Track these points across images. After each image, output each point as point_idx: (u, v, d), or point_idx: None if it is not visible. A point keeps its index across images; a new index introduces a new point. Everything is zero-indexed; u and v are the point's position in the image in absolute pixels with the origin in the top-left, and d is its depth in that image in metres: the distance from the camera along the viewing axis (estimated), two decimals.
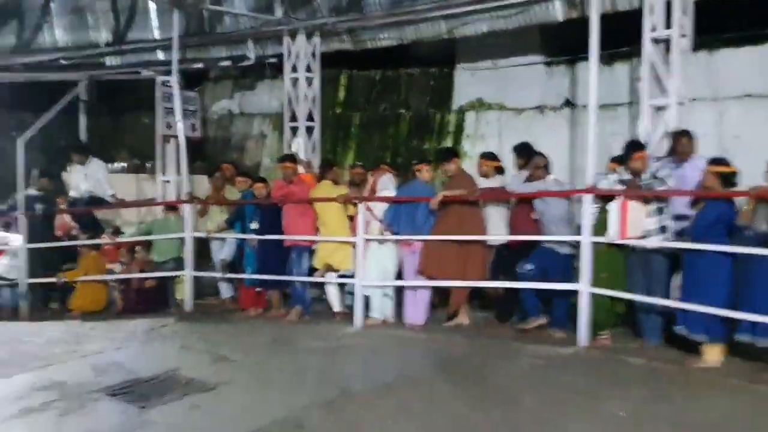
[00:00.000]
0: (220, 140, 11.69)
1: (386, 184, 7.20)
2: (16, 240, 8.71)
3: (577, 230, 6.08)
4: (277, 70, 10.65)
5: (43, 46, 10.45)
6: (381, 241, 6.98)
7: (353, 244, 7.09)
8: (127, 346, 6.68)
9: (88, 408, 4.96)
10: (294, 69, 9.32)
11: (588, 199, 5.88)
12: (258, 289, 7.81)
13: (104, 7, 9.97)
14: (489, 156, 7.03)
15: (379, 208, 7.05)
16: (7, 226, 9.28)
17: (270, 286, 7.69)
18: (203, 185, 9.78)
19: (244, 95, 11.77)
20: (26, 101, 12.07)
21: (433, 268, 6.64)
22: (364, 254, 6.94)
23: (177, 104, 8.18)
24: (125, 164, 11.69)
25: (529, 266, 6.21)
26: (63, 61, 10.49)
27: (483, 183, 6.81)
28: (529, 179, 6.53)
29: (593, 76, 5.89)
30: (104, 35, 10.19)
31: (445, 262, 6.59)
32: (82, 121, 12.04)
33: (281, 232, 7.53)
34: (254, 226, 7.63)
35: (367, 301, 7.05)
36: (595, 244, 5.88)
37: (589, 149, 5.92)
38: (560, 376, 5.23)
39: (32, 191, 8.84)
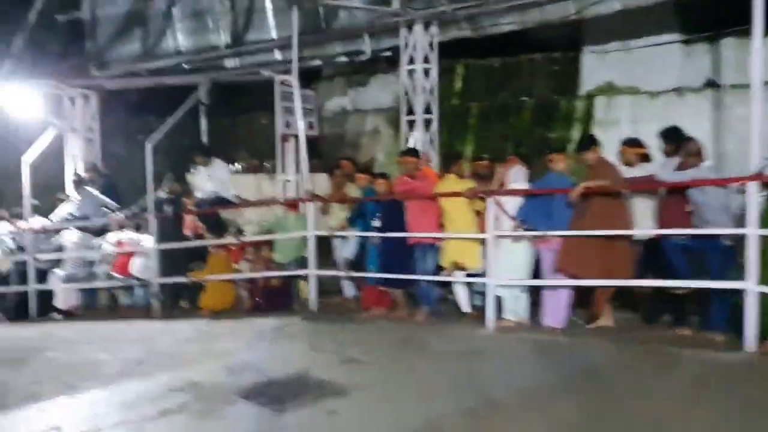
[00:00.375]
0: (335, 138, 11.61)
1: (517, 177, 6.77)
2: (148, 241, 8.93)
3: (738, 222, 5.43)
4: (391, 64, 10.43)
5: (166, 51, 10.72)
6: (514, 238, 6.56)
7: (482, 242, 6.72)
8: (257, 346, 6.62)
9: (224, 411, 4.88)
10: (411, 60, 9.04)
11: (754, 187, 5.23)
12: (382, 289, 7.58)
13: (223, 9, 10.08)
14: (633, 142, 6.45)
15: (509, 202, 6.63)
16: (138, 228, 9.56)
17: (394, 285, 7.45)
18: (320, 183, 9.73)
19: (358, 91, 11.64)
20: (150, 106, 12.50)
21: (574, 266, 6.16)
22: (495, 252, 6.55)
23: (297, 103, 8.09)
24: (244, 164, 11.84)
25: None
26: (185, 65, 10.72)
27: (627, 173, 6.25)
28: (681, 167, 5.91)
29: (757, 49, 5.23)
30: (223, 37, 10.31)
31: (588, 260, 6.09)
32: (203, 123, 12.31)
33: (404, 230, 7.27)
34: (376, 223, 7.41)
35: (498, 301, 6.66)
36: (763, 237, 5.22)
37: (753, 132, 5.27)
38: (733, 388, 4.64)
39: (162, 193, 9.04)
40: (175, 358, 6.38)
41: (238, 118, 12.89)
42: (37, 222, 10.05)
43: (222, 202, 9.38)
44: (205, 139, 12.41)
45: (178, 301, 9.06)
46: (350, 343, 6.43)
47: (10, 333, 8.81)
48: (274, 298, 8.25)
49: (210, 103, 11.86)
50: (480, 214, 6.84)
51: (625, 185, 6.07)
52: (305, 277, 8.08)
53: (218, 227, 9.32)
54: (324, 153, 11.08)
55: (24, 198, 9.90)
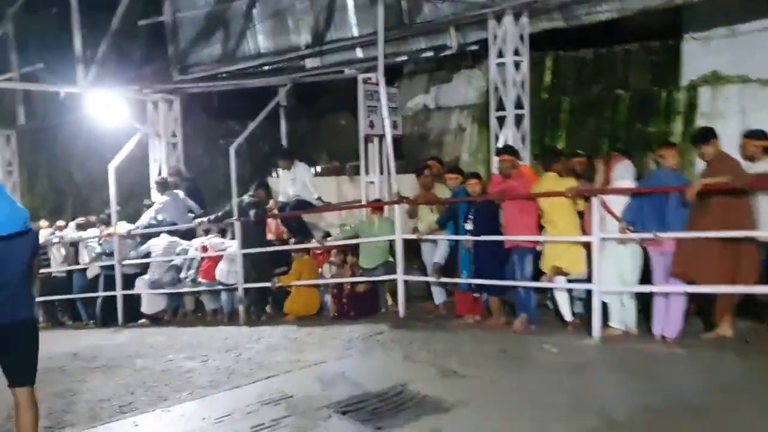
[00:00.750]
0: (416, 137, 11.27)
1: (623, 174, 6.25)
2: (233, 246, 8.83)
3: None
4: (476, 58, 10.02)
5: (247, 53, 10.63)
6: (620, 241, 6.06)
7: (586, 245, 6.24)
8: (349, 356, 6.36)
9: (321, 427, 4.62)
10: (500, 54, 8.60)
11: None
12: (475, 295, 7.20)
13: (304, 9, 9.90)
14: (756, 134, 5.84)
15: (615, 202, 6.13)
16: (223, 233, 9.49)
17: (488, 292, 7.05)
18: (405, 185, 9.43)
19: (440, 88, 11.27)
20: (230, 109, 12.51)
21: (693, 270, 5.62)
22: (600, 256, 6.06)
23: (383, 101, 7.80)
24: (325, 167, 11.67)
25: None
26: (266, 67, 10.61)
27: (750, 168, 5.66)
28: None
29: None
30: (304, 37, 10.14)
31: (707, 264, 5.54)
32: (283, 126, 12.21)
33: (499, 232, 6.87)
34: (469, 226, 7.02)
35: (603, 308, 6.18)
36: None
37: None
38: None
39: (246, 197, 8.93)
40: (266, 368, 6.19)
41: (318, 119, 12.73)
42: (124, 227, 10.14)
43: (305, 205, 9.21)
44: (285, 142, 12.32)
45: (264, 306, 8.92)
46: (446, 354, 6.09)
47: (101, 339, 8.87)
48: (360, 304, 7.99)
49: (290, 105, 11.77)
50: (582, 215, 6.37)
51: (748, 182, 5.49)
52: (392, 283, 7.79)
53: (302, 231, 9.15)
54: (406, 153, 10.76)
55: (111, 204, 10.00)
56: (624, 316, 6.17)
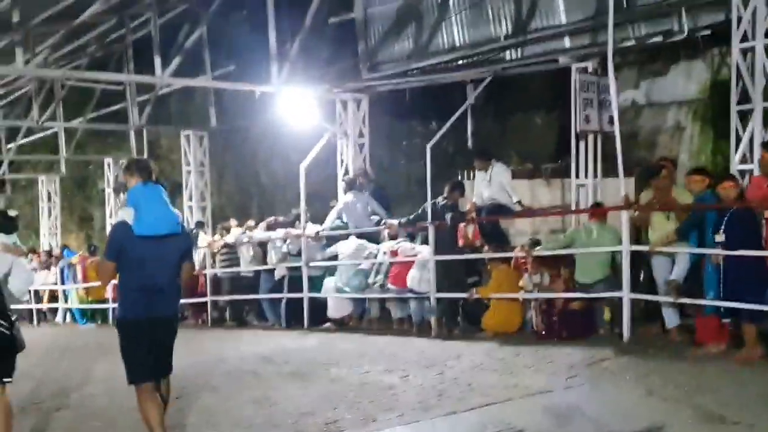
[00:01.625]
0: (625, 136, 10.02)
1: None
2: (424, 251, 8.21)
3: None
4: (707, 45, 8.69)
5: (440, 47, 10.02)
6: None
7: None
8: (576, 385, 5.46)
9: None
10: (744, 38, 7.29)
11: None
12: (724, 320, 6.00)
13: None
14: None
15: None
16: (412, 237, 8.91)
17: (742, 317, 5.82)
18: (608, 188, 8.35)
19: (654, 82, 9.99)
20: (414, 108, 12.00)
21: None
22: None
23: (612, 91, 6.75)
24: (517, 169, 10.76)
25: None
26: (459, 62, 9.93)
27: None
28: None
29: None
30: (503, 27, 9.33)
31: None
32: (470, 125, 11.49)
33: (760, 246, 5.65)
34: (719, 238, 5.84)
35: None
36: None
37: None
38: None
39: (440, 200, 8.28)
40: (478, 392, 5.44)
41: (505, 118, 11.87)
42: (312, 229, 9.88)
43: (502, 209, 8.39)
44: (470, 142, 11.58)
45: (456, 318, 8.21)
46: (699, 391, 5.02)
47: (289, 342, 8.61)
48: (574, 322, 7.04)
49: (476, 103, 11.01)
50: None
51: None
52: (614, 301, 6.77)
53: (498, 238, 8.34)
54: (609, 154, 9.61)
55: (300, 205, 9.80)
56: None
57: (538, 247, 7.56)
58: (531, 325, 7.48)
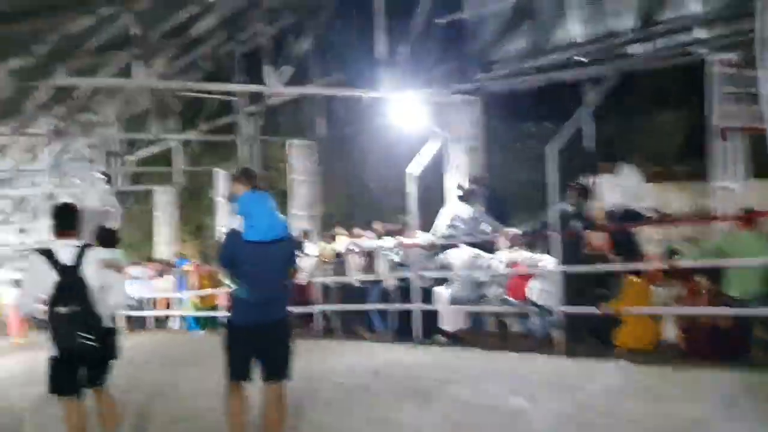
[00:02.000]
0: None
1: None
2: (548, 262, 7.65)
3: None
4: None
5: (557, 44, 9.40)
6: None
7: None
8: (738, 417, 4.75)
9: None
10: None
11: None
12: None
13: None
14: None
15: None
16: (531, 247, 8.36)
17: None
18: (754, 192, 7.51)
19: None
20: (528, 110, 11.43)
21: None
22: None
23: (764, 84, 6.01)
24: (642, 171, 9.99)
25: None
26: (578, 59, 9.28)
27: None
28: None
29: None
30: (627, 20, 8.62)
31: None
32: (588, 126, 10.77)
33: None
34: None
35: None
36: None
37: None
38: None
39: (565, 206, 7.71)
40: (623, 421, 4.86)
41: (626, 118, 11.07)
42: (422, 237, 9.52)
43: (632, 216, 7.71)
44: (589, 144, 10.87)
45: (582, 334, 7.59)
46: None
47: (400, 356, 8.24)
48: (722, 342, 6.27)
49: (598, 102, 10.32)
50: None
51: None
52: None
53: (630, 248, 7.65)
54: (758, 153, 8.69)
55: (409, 212, 9.45)
56: None
57: (676, 257, 6.85)
58: (667, 343, 6.78)
